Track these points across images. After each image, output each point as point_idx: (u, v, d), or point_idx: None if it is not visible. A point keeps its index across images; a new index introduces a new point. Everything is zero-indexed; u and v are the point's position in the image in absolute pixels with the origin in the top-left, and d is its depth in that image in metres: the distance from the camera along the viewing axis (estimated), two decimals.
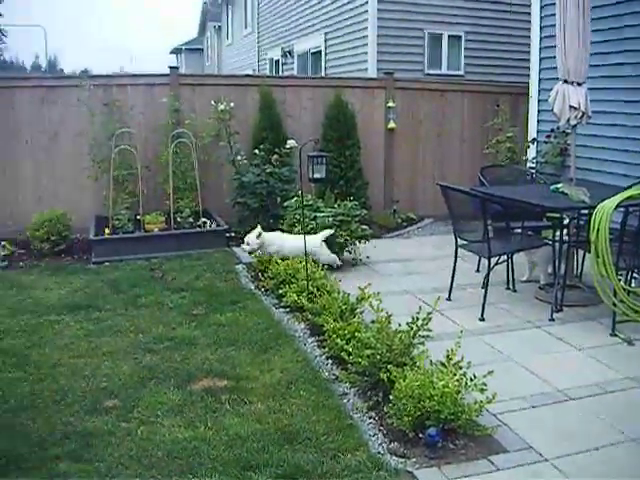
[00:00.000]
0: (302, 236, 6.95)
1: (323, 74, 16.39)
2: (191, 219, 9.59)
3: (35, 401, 4.94)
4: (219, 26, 35.31)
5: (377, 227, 10.32)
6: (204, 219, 9.69)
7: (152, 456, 4.14)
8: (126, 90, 10.46)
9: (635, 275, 6.98)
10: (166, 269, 8.25)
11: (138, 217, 9.60)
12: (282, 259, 7.47)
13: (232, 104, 10.07)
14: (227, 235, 9.58)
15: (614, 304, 6.24)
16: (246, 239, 7.93)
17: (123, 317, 6.68)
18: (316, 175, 7.17)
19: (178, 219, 9.53)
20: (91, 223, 9.68)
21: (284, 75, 18.42)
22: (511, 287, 7.51)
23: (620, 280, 6.34)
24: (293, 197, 9.03)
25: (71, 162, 10.30)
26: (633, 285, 6.82)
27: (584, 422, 4.65)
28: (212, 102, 10.18)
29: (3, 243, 9.32)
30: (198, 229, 9.47)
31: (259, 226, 8.01)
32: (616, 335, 6.20)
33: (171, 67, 11.13)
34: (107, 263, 8.72)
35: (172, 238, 9.25)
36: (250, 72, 23.28)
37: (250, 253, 7.92)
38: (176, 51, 51.90)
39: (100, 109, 10.10)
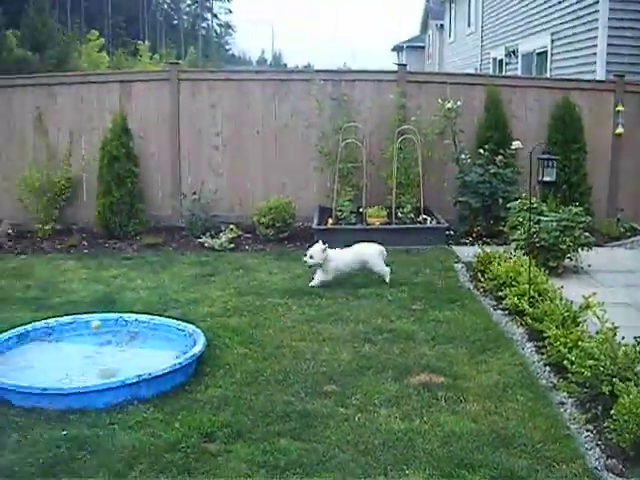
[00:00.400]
0: (357, 247, 7.63)
1: (548, 75, 15.94)
2: (412, 215, 9.69)
3: (258, 378, 5.22)
4: (441, 24, 35.27)
5: (599, 235, 9.91)
6: (424, 216, 9.76)
7: (368, 443, 4.26)
8: (354, 85, 10.76)
9: None
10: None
11: (360, 210, 9.83)
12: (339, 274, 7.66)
13: (459, 102, 10.05)
14: (446, 233, 9.60)
15: None
16: (310, 252, 7.63)
17: (343, 306, 6.90)
18: (546, 178, 6.98)
19: (399, 214, 9.68)
20: (314, 213, 10.04)
21: (510, 75, 18.08)
22: None
23: None
24: (515, 199, 8.89)
25: (299, 153, 10.77)
26: None
27: None
28: (439, 100, 10.22)
29: (231, 227, 9.87)
30: (418, 225, 9.56)
31: (320, 241, 7.77)
32: None
33: (399, 64, 11.35)
34: None
35: (393, 232, 9.41)
36: (472, 71, 23.10)
37: (310, 267, 7.70)
38: (397, 48, 52.40)
39: (328, 103, 10.45)
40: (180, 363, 5.11)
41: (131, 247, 9.93)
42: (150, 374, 4.90)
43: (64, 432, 4.39)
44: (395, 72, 11.08)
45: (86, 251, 9.80)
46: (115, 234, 10.30)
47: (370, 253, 7.70)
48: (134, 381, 4.84)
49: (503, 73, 19.82)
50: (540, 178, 6.96)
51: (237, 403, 4.80)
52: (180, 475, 3.93)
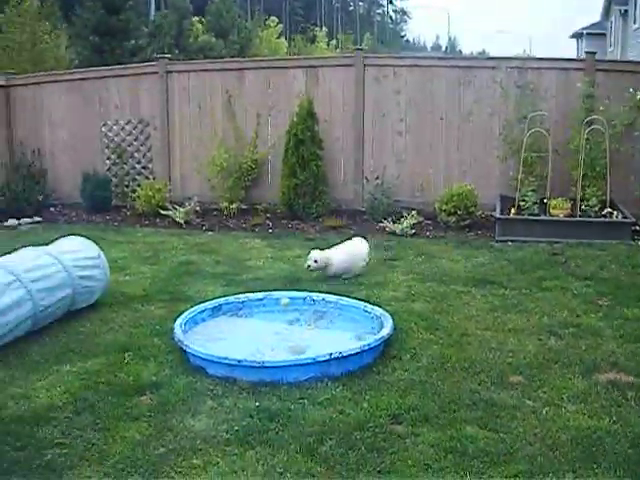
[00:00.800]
0: (351, 247, 7.76)
1: None
2: (596, 208, 9.45)
3: (445, 364, 5.33)
4: (625, 10, 33.69)
5: None
6: (609, 209, 9.48)
7: (555, 438, 4.27)
8: (540, 73, 10.56)
9: None
10: (569, 255, 8.26)
11: (544, 200, 9.68)
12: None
13: None
14: (632, 228, 9.30)
15: None
16: (313, 257, 7.49)
17: (527, 297, 6.88)
18: None
19: (583, 207, 9.46)
20: (496, 202, 9.99)
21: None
22: None
23: None
24: None
25: (481, 141, 10.75)
26: None
27: None
28: (630, 90, 9.87)
29: (412, 212, 9.98)
30: (603, 219, 9.31)
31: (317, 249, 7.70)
32: None
33: (587, 52, 11.04)
34: (510, 243, 8.99)
35: (576, 225, 9.23)
36: None
37: (312, 271, 7.56)
38: (576, 35, 50.58)
39: (513, 91, 10.34)
40: (369, 344, 5.29)
41: (313, 228, 10.26)
42: (341, 353, 5.11)
43: (257, 404, 4.67)
44: (583, 60, 10.80)
45: (270, 230, 10.22)
46: (298, 215, 10.67)
47: (364, 253, 7.77)
48: (325, 359, 5.07)
49: None
50: None
51: (423, 388, 4.93)
52: (369, 454, 4.10)
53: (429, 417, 4.52)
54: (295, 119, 10.71)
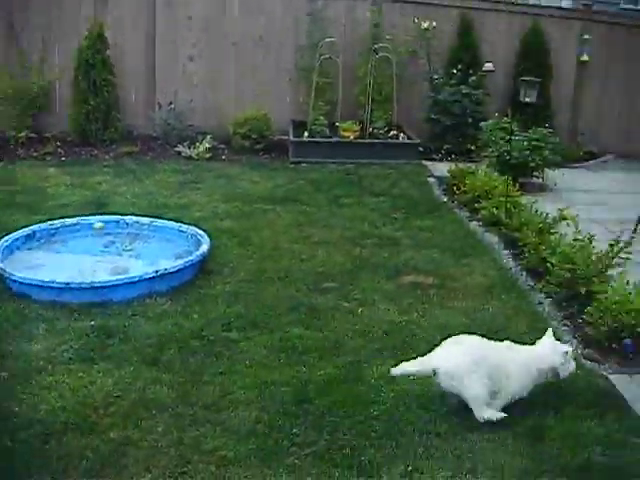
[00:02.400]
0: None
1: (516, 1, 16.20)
2: (384, 130, 10.04)
3: (262, 276, 5.66)
4: None
5: (560, 157, 10.42)
6: (396, 132, 10.11)
7: (374, 332, 4.76)
8: (329, 3, 10.84)
9: None
10: (362, 175, 8.77)
11: (335, 124, 10.14)
12: None
13: (434, 23, 10.34)
14: (418, 149, 9.99)
15: None
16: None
17: (328, 213, 7.33)
18: (527, 99, 7.34)
19: (372, 129, 10.02)
20: (289, 126, 10.32)
21: None
22: None
23: None
24: (484, 119, 9.33)
25: (273, 67, 10.95)
26: None
27: None
28: (414, 19, 10.48)
29: (208, 137, 10.08)
30: (390, 140, 9.92)
31: None
32: None
33: None
34: (304, 164, 9.35)
35: (366, 147, 9.77)
36: None
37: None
38: None
39: (305, 19, 10.60)
40: (191, 260, 5.49)
41: (108, 155, 10.04)
42: (166, 269, 5.28)
43: (92, 323, 4.76)
44: None
45: (63, 159, 9.90)
46: (91, 142, 10.39)
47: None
48: (151, 276, 5.22)
49: None
50: (522, 99, 7.32)
51: (246, 297, 5.24)
52: (208, 359, 4.38)
53: (257, 323, 4.85)
54: (85, 43, 10.36)
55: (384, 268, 5.84)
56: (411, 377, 4.10)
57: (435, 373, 3.92)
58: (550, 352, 4.14)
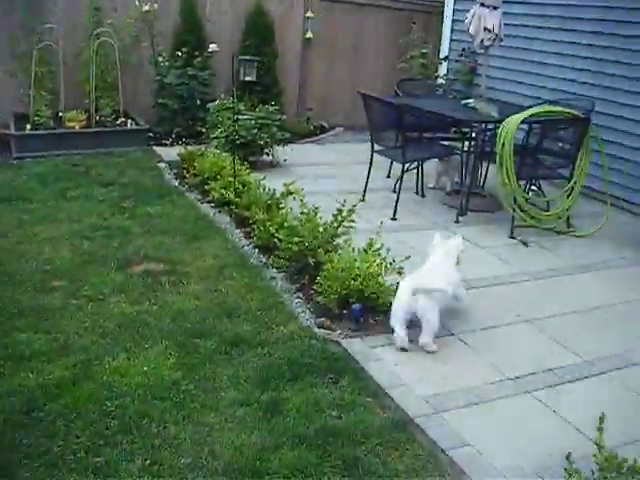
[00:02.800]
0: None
1: None
2: (111, 118, 9.74)
3: None
4: None
5: (291, 133, 10.66)
6: (124, 118, 9.85)
7: (104, 327, 4.58)
8: None
9: (532, 187, 7.67)
10: (89, 165, 8.45)
11: (59, 114, 9.69)
12: None
13: (156, 5, 10.13)
14: (148, 135, 9.81)
15: (514, 209, 6.92)
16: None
17: (55, 208, 6.93)
18: (247, 78, 7.40)
19: (99, 117, 9.69)
20: (10, 120, 9.72)
21: None
22: (420, 192, 8.10)
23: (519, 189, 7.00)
24: (212, 100, 9.32)
25: None
26: (531, 194, 7.50)
27: (486, 307, 5.36)
28: (136, 2, 10.21)
29: None
30: (118, 128, 9.65)
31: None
32: (514, 237, 6.93)
33: None
34: (29, 159, 8.83)
35: (93, 136, 9.41)
36: None
37: None
38: None
39: (19, 3, 10.00)
40: None
41: None
42: None
43: None
44: None
45: None
46: None
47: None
48: None
49: None
50: (242, 78, 7.37)
51: None
52: None
53: None
54: None
55: (114, 260, 5.64)
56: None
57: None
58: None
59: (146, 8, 10.05)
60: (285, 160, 9.03)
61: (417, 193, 8.09)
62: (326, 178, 8.61)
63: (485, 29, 7.64)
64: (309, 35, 11.62)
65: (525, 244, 6.82)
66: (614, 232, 7.32)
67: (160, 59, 10.18)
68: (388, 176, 8.62)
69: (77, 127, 9.50)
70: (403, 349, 4.60)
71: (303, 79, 11.92)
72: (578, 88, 8.75)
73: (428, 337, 4.60)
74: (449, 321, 5.00)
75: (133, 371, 4.09)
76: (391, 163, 8.42)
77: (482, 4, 7.65)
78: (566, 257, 6.62)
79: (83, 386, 3.96)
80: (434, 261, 5.03)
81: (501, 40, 7.85)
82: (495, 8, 7.65)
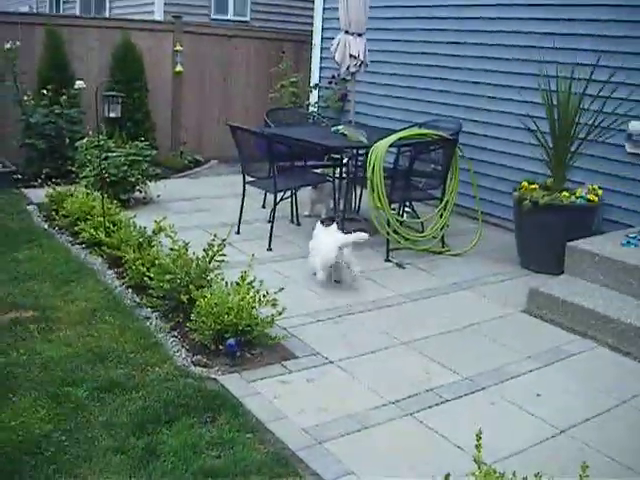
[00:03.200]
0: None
1: (107, 15, 16.17)
2: None
3: None
4: None
5: (165, 168, 10.54)
6: None
7: None
8: None
9: (406, 208, 7.82)
10: None
11: None
12: None
13: (18, 43, 9.86)
14: (15, 177, 9.50)
15: (388, 233, 7.03)
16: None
17: None
18: (111, 114, 7.29)
19: None
20: None
21: (70, 15, 17.73)
22: (295, 221, 8.14)
23: (392, 212, 7.12)
24: (82, 138, 9.12)
25: None
26: (405, 217, 7.65)
27: (363, 332, 5.39)
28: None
29: None
30: None
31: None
32: (389, 260, 7.04)
33: None
34: None
35: None
36: (27, 10, 22.23)
37: None
38: None
39: None
40: None
41: None
42: None
43: None
44: None
45: None
46: None
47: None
48: None
49: (61, 12, 19.39)
50: (107, 114, 7.26)
51: None
52: None
53: None
54: None
55: None
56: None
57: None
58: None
59: (7, 46, 9.76)
60: (158, 196, 8.91)
61: (292, 222, 8.14)
62: (200, 212, 8.56)
63: (351, 56, 7.80)
64: (179, 68, 11.59)
65: (401, 266, 6.93)
66: (487, 248, 7.54)
67: (25, 98, 9.89)
68: (263, 206, 8.62)
69: None
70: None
71: (175, 113, 11.87)
72: (444, 109, 9.01)
73: (356, 271, 6.27)
74: (327, 350, 5.01)
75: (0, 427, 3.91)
76: (265, 194, 8.43)
77: (347, 31, 7.80)
78: (442, 276, 6.76)
79: None
80: (328, 233, 6.35)
81: (366, 66, 8.03)
82: (360, 35, 7.82)
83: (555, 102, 6.89)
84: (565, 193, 6.77)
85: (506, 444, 3.97)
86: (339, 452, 3.89)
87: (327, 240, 6.18)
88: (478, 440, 2.88)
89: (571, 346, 5.39)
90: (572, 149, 6.93)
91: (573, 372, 4.99)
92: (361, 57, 7.82)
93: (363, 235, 6.22)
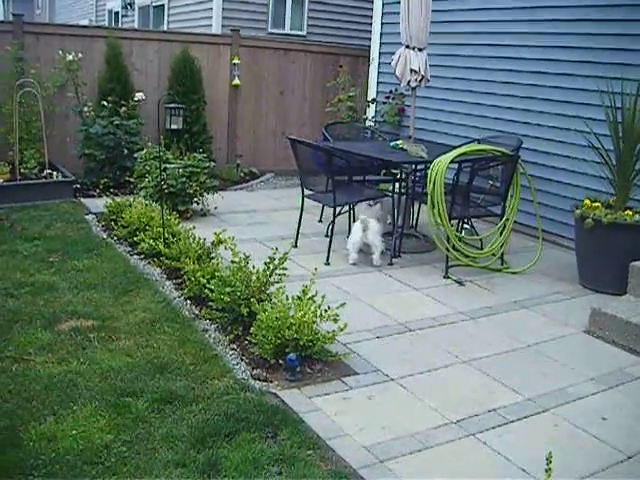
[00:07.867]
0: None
1: (165, 28, 16.37)
2: (36, 170, 9.53)
3: None
4: None
5: (221, 180, 10.62)
6: (50, 170, 9.64)
7: (30, 390, 4.35)
8: None
9: (465, 225, 7.72)
10: (14, 219, 8.21)
11: None
12: None
13: (80, 54, 10.00)
14: (74, 186, 9.61)
15: (447, 250, 6.93)
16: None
17: None
18: (173, 126, 7.33)
19: (22, 170, 9.45)
20: None
21: (130, 28, 18.03)
22: None
23: (452, 228, 7.02)
24: (140, 149, 9.19)
25: None
26: (463, 233, 7.54)
27: (423, 349, 5.30)
28: (59, 52, 10.08)
29: None
30: (44, 180, 9.43)
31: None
32: (449, 277, 6.94)
33: (15, 14, 10.80)
34: None
35: (18, 189, 9.16)
36: (87, 23, 22.62)
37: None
38: None
39: None
40: None
41: None
42: None
43: None
44: (10, 22, 10.60)
45: None
46: None
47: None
48: None
49: (120, 26, 19.72)
50: (168, 126, 7.29)
51: None
52: None
53: None
54: None
55: (40, 318, 5.42)
56: None
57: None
58: None
59: (70, 58, 9.91)
60: (215, 208, 8.93)
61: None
62: (257, 225, 8.55)
63: (411, 70, 7.73)
64: (236, 81, 11.64)
65: (460, 283, 6.83)
66: (546, 266, 7.39)
67: (85, 109, 10.02)
68: (320, 220, 8.59)
69: (1, 180, 9.25)
70: (354, 264, 7.05)
71: (232, 126, 11.91)
72: (504, 126, 8.88)
73: (378, 256, 7.09)
74: (387, 367, 4.94)
75: (61, 435, 3.88)
76: (322, 207, 8.39)
77: (407, 46, 7.74)
78: (501, 294, 6.64)
79: (8, 454, 3.75)
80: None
81: (428, 81, 7.95)
82: (420, 50, 7.75)
83: (620, 119, 6.75)
84: (629, 212, 6.62)
85: (573, 468, 3.86)
86: (401, 471, 3.81)
87: (356, 225, 7.10)
88: (549, 464, 2.77)
89: (635, 369, 5.25)
90: (637, 167, 6.77)
91: (638, 395, 4.84)
92: (422, 72, 7.74)
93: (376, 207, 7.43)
